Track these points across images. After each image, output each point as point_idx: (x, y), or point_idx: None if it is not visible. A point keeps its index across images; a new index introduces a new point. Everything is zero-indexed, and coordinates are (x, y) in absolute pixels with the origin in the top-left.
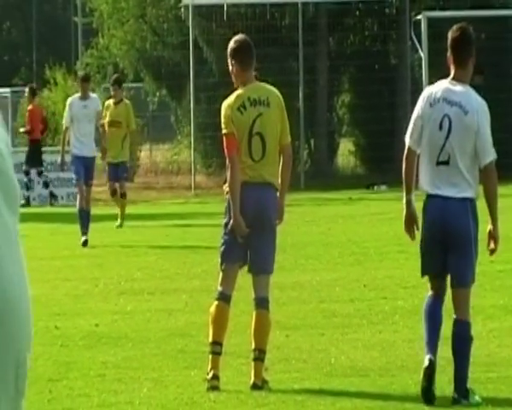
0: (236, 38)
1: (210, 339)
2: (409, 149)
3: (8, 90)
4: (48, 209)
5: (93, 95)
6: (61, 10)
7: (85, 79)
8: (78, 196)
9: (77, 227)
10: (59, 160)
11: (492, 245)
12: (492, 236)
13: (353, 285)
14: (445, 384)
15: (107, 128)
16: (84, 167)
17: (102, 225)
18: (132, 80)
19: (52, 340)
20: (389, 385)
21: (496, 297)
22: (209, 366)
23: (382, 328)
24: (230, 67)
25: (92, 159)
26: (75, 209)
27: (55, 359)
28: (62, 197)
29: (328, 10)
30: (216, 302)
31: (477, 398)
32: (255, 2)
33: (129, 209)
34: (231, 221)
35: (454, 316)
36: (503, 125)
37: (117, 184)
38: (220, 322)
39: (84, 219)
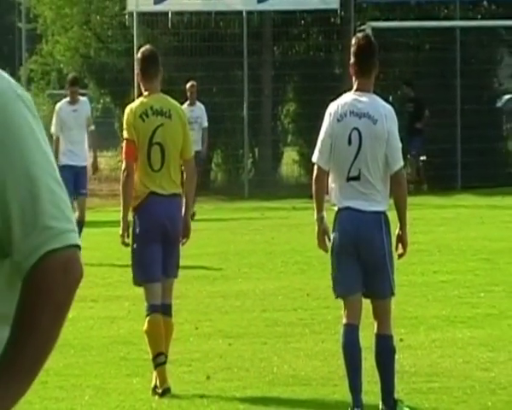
0: (143, 48)
1: (151, 354)
2: (319, 168)
3: None
4: None
5: (82, 98)
6: (4, 16)
7: (74, 83)
8: None
9: None
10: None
11: (401, 250)
12: (401, 240)
13: (296, 294)
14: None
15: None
16: (75, 177)
17: None
18: None
19: None
20: (331, 395)
21: (438, 308)
22: (157, 381)
23: (325, 337)
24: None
25: (83, 168)
26: None
27: None
28: None
29: (272, 19)
30: (147, 318)
31: (405, 408)
32: (200, 11)
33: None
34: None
35: (375, 331)
36: (447, 135)
37: None
38: (156, 334)
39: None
